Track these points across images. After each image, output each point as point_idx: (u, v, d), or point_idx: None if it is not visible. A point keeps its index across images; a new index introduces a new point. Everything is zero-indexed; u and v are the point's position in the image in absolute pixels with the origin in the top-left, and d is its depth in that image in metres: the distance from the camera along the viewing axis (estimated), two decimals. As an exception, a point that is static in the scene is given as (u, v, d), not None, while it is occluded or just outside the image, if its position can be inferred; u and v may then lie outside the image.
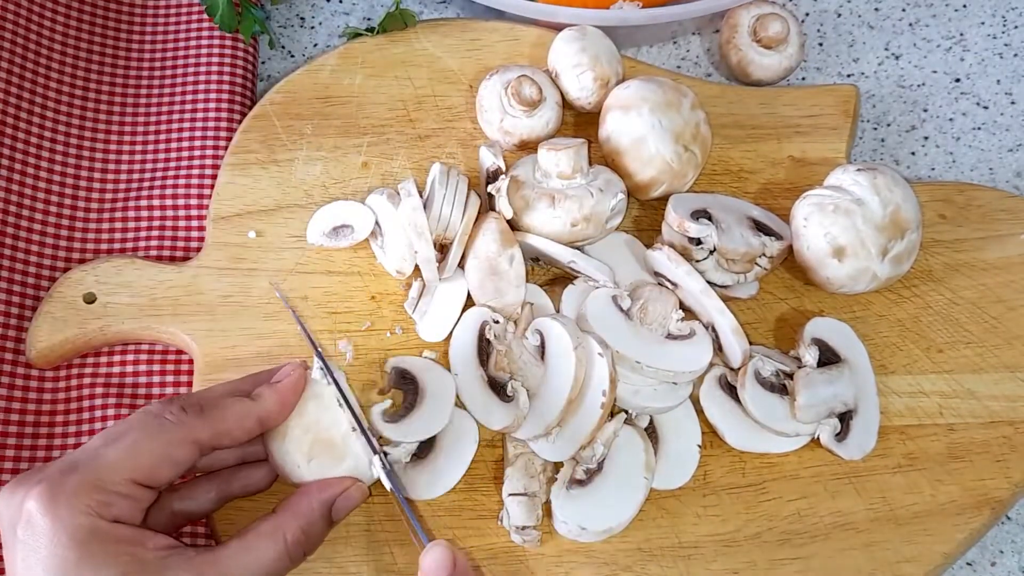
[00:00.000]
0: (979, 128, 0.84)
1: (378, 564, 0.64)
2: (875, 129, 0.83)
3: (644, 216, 0.75)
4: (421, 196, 0.71)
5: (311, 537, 0.57)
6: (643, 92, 0.71)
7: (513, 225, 0.70)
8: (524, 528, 0.63)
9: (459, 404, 0.67)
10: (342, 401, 0.61)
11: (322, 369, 0.62)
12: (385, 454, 0.61)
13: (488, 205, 0.71)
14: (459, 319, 0.70)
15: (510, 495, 0.64)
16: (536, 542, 0.63)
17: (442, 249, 0.71)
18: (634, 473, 0.64)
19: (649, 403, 0.66)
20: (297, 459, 0.60)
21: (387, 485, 0.60)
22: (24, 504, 0.51)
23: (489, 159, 0.71)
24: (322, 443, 0.60)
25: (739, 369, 0.67)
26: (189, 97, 0.80)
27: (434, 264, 0.70)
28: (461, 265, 0.71)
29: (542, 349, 0.66)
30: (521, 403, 0.64)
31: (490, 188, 0.70)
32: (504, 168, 0.71)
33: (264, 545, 0.55)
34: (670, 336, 0.68)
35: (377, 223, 0.72)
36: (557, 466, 0.66)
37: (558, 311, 0.69)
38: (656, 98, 0.71)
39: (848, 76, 0.86)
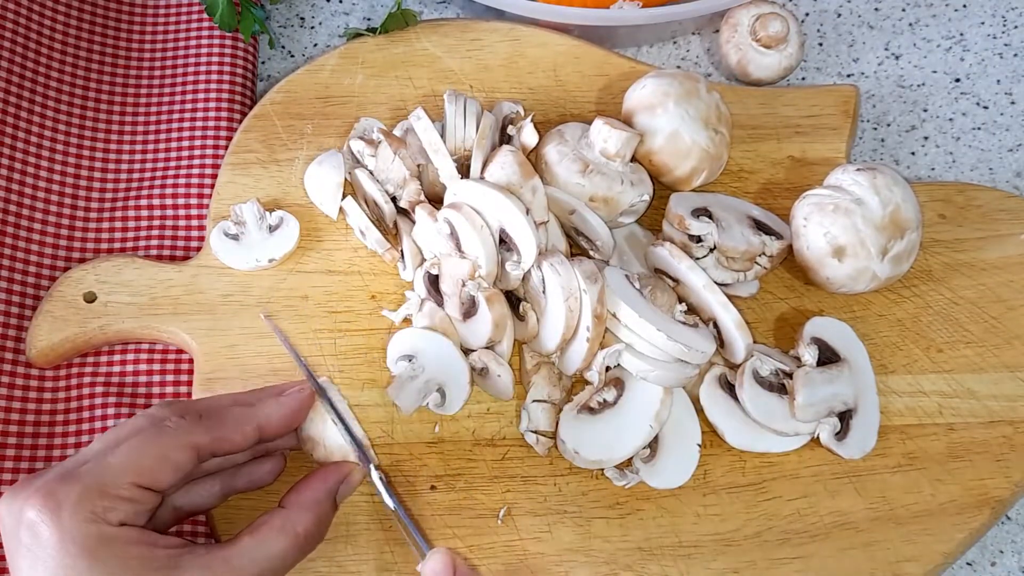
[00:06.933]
0: (979, 128, 0.84)
1: (378, 563, 0.64)
2: (875, 129, 0.83)
3: (644, 216, 0.75)
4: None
5: (321, 526, 0.58)
6: (663, 87, 0.71)
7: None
8: (543, 433, 0.66)
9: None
10: (335, 419, 0.63)
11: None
12: (381, 470, 0.63)
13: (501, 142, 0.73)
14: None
15: (535, 401, 0.67)
16: (547, 450, 0.66)
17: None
18: (642, 418, 0.65)
19: (661, 378, 0.66)
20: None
21: (386, 501, 0.62)
22: (24, 514, 0.50)
23: (509, 107, 0.73)
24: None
25: (739, 366, 0.67)
26: (189, 96, 0.80)
27: (457, 179, 0.70)
28: None
29: (544, 286, 0.66)
30: (531, 324, 0.66)
31: (512, 128, 0.72)
32: (523, 112, 0.74)
33: (276, 539, 0.55)
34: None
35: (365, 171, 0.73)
36: (575, 387, 0.68)
37: None
38: (676, 90, 0.71)
39: (848, 76, 0.86)
